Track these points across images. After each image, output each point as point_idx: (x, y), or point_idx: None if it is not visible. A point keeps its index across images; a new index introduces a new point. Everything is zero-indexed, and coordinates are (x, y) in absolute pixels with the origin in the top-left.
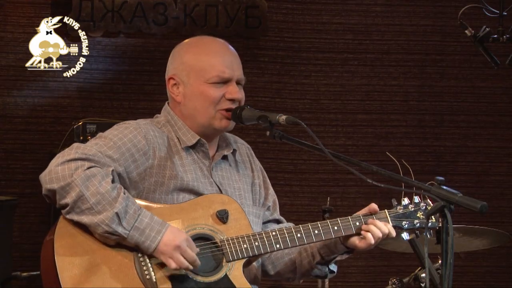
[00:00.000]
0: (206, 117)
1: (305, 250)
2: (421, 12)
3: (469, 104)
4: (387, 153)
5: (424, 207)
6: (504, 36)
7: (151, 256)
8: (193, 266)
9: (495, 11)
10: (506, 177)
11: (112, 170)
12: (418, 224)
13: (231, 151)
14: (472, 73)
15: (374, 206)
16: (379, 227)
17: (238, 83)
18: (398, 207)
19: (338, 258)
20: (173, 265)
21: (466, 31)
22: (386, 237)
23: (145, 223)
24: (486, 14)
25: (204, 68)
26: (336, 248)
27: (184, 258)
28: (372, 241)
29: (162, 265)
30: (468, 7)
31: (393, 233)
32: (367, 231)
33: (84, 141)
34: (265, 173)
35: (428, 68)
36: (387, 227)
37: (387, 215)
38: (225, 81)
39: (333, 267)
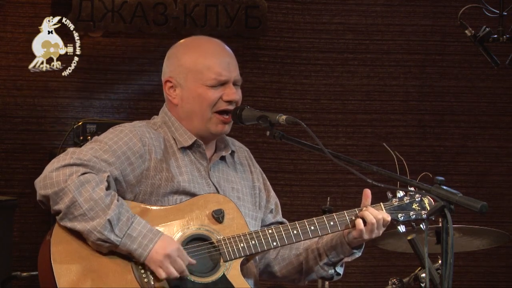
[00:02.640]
0: (203, 119)
1: (312, 251)
2: (421, 12)
3: (469, 104)
4: (383, 144)
5: (419, 199)
6: (504, 36)
7: None
8: (181, 275)
9: (495, 11)
10: (506, 177)
11: (108, 176)
12: (414, 216)
13: (229, 152)
14: (472, 73)
15: (367, 192)
16: (371, 212)
17: (235, 83)
18: (394, 199)
19: (345, 260)
20: (162, 274)
21: (466, 31)
22: (382, 222)
23: (137, 231)
24: (486, 14)
25: (201, 71)
26: (342, 250)
27: (173, 267)
28: (361, 226)
29: None
30: (468, 7)
31: (387, 218)
32: (360, 217)
33: (84, 141)
34: (264, 176)
35: (428, 68)
36: (381, 213)
37: (383, 208)
38: (222, 83)
39: (340, 269)
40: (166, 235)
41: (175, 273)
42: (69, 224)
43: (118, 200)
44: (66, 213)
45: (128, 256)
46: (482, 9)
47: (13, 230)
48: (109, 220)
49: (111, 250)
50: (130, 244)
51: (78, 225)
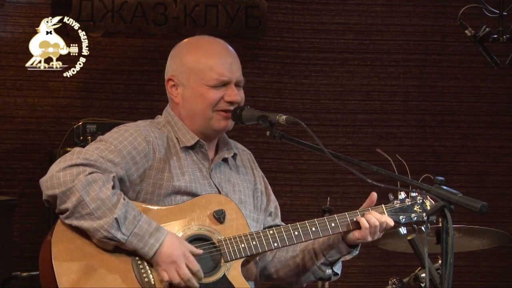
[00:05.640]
0: (205, 118)
1: (308, 252)
2: (421, 12)
3: (469, 104)
4: (377, 150)
5: (421, 201)
6: (504, 36)
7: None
8: (186, 284)
9: (495, 11)
10: (506, 177)
11: (114, 177)
12: (415, 218)
13: (232, 154)
14: (472, 73)
15: (373, 195)
16: (374, 215)
17: (237, 84)
18: (395, 201)
19: (342, 259)
20: (166, 277)
21: (466, 31)
22: (385, 226)
23: (144, 229)
24: (486, 14)
25: (203, 71)
26: (339, 249)
27: (178, 274)
28: (366, 225)
29: None
30: (468, 7)
31: (391, 222)
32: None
33: (84, 141)
34: (266, 180)
35: (428, 68)
36: (384, 217)
37: (384, 210)
38: (224, 84)
39: (337, 269)
40: (173, 234)
41: (178, 279)
42: (75, 223)
43: (124, 199)
44: (73, 212)
45: (129, 255)
46: (482, 9)
47: (13, 230)
48: (116, 219)
49: (113, 249)
50: (137, 243)
51: (84, 223)
